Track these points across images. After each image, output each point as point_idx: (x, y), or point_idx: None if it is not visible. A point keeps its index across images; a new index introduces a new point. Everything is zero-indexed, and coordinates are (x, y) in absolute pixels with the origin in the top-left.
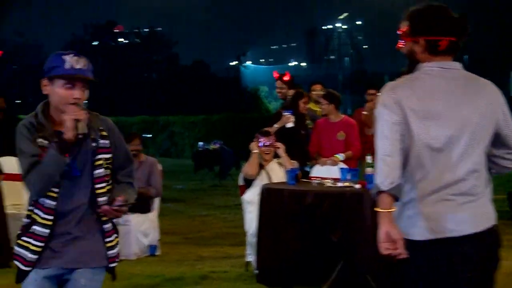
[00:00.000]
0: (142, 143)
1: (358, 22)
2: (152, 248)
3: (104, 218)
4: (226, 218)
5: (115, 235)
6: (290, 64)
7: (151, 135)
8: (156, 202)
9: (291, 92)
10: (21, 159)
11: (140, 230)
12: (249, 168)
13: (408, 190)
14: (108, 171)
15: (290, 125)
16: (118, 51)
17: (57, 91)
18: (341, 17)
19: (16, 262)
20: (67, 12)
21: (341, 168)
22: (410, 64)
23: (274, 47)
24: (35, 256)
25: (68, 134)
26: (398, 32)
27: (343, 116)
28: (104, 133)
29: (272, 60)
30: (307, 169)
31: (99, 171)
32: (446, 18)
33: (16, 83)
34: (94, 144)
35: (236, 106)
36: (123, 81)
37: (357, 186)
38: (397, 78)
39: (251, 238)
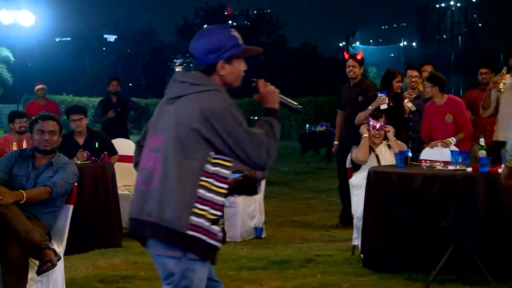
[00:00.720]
0: (250, 126)
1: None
2: (258, 230)
3: None
4: (333, 201)
5: None
6: (400, 44)
7: (257, 117)
8: (262, 185)
9: (359, 71)
10: (249, 134)
11: (246, 212)
12: (360, 153)
13: None
14: None
15: (384, 106)
16: None
17: (237, 68)
18: None
19: (211, 240)
20: None
21: (452, 151)
22: None
23: (384, 27)
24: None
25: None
26: None
27: (447, 96)
28: None
29: (381, 40)
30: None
31: None
32: None
33: (128, 66)
34: None
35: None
36: None
37: (469, 169)
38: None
39: (358, 222)
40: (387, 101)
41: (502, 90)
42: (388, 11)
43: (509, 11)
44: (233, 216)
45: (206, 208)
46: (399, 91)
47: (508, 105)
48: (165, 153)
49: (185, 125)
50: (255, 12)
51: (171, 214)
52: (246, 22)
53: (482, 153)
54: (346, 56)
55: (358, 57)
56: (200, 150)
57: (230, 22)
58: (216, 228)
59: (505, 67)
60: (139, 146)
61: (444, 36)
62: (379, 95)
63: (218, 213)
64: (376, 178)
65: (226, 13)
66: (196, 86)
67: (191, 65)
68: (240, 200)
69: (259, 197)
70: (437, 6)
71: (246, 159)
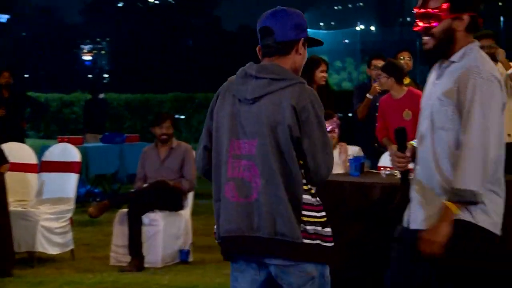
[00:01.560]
0: (174, 126)
1: None
2: (184, 253)
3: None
4: None
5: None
6: (356, 28)
7: (184, 116)
8: (190, 198)
9: None
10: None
11: (169, 232)
12: None
13: None
14: None
15: None
16: (147, 14)
17: (305, 53)
18: None
19: (326, 243)
20: None
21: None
22: (439, 46)
23: (337, 7)
24: None
25: None
26: (419, 10)
27: (406, 89)
28: None
29: (334, 23)
30: None
31: None
32: None
33: (24, 53)
34: None
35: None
36: (153, 50)
37: None
38: None
39: None
40: None
41: None
42: None
43: None
44: (153, 236)
45: (312, 213)
46: (323, 82)
47: None
48: (263, 160)
49: (281, 128)
50: None
51: (284, 227)
52: (170, 0)
53: None
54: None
55: None
56: (294, 153)
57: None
58: (328, 229)
59: None
60: (207, 151)
61: (408, 19)
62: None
63: (324, 213)
64: (326, 188)
65: None
66: (280, 82)
67: (102, 52)
68: (162, 217)
69: (186, 213)
70: None
71: (313, 168)
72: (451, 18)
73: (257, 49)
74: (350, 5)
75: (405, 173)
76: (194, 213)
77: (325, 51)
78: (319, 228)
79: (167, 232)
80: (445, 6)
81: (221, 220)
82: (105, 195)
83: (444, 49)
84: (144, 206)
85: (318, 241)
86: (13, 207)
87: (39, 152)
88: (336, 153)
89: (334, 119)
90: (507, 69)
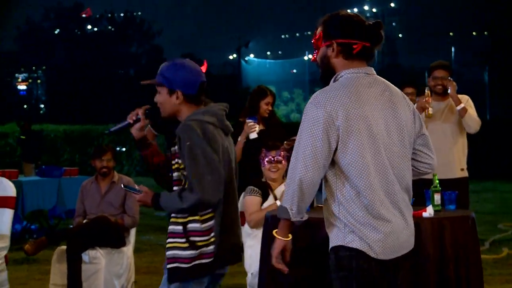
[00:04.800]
0: (115, 158)
1: (392, 4)
2: None
3: (171, 220)
4: None
5: (173, 239)
6: (304, 57)
7: (125, 149)
8: (132, 234)
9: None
10: None
11: (111, 270)
12: (254, 216)
13: None
14: (182, 176)
15: (253, 136)
16: (86, 42)
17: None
18: None
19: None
20: None
21: None
22: (323, 73)
23: (285, 36)
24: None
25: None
26: (313, 41)
27: None
28: (175, 140)
29: (281, 53)
30: None
31: (176, 174)
32: (359, 23)
33: None
34: (173, 148)
35: (235, 111)
36: (93, 79)
37: None
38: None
39: (252, 279)
40: (257, 128)
41: (431, 115)
42: (290, 17)
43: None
44: (94, 275)
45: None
46: (266, 115)
47: (436, 136)
48: None
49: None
50: (121, 15)
51: None
52: (110, 27)
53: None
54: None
55: (203, 69)
56: None
57: (89, 27)
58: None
59: (427, 88)
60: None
61: None
62: (246, 121)
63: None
64: (274, 225)
65: (84, 15)
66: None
67: (38, 81)
68: (103, 255)
69: (128, 249)
70: (349, 11)
71: None
72: (326, 45)
73: None
74: (297, 34)
75: None
76: (136, 250)
77: (273, 82)
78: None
79: (108, 270)
80: (319, 35)
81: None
82: (42, 232)
83: (327, 75)
84: (84, 243)
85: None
86: None
87: None
88: (283, 187)
89: (281, 150)
90: (456, 104)
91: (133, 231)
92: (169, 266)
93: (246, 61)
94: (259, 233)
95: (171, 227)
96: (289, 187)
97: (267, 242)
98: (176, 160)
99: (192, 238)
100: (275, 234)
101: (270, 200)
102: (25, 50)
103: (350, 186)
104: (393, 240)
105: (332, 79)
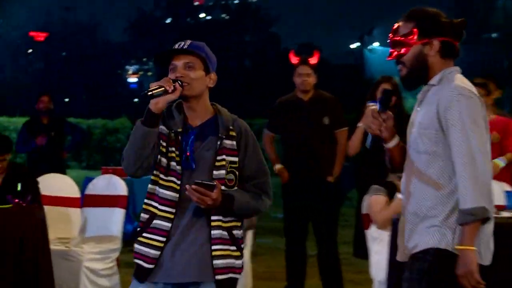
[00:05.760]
0: None
1: None
2: None
3: (213, 223)
4: (344, 258)
5: (223, 245)
6: None
7: None
8: (249, 237)
9: (313, 81)
10: None
11: None
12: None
13: None
14: (233, 176)
15: None
16: (198, 31)
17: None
18: None
19: (138, 261)
20: None
21: (507, 192)
22: (412, 72)
23: None
24: (158, 252)
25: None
26: (391, 39)
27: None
28: (233, 133)
29: None
30: None
31: (220, 172)
32: (451, 21)
33: (65, 76)
34: (218, 142)
35: (358, 103)
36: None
37: None
38: None
39: (379, 287)
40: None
41: None
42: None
43: None
44: None
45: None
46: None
47: None
48: None
49: None
50: (236, 2)
51: None
52: (224, 15)
53: None
54: (295, 60)
55: (313, 61)
56: None
57: (203, 15)
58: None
59: None
60: None
61: (494, 35)
62: (367, 104)
63: None
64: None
65: (197, 3)
66: None
67: (149, 73)
68: None
69: (245, 254)
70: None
71: None
72: (421, 44)
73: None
74: None
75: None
76: (254, 254)
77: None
78: (137, 246)
79: None
80: (414, 32)
81: None
82: None
83: (419, 75)
84: None
85: (138, 259)
86: (54, 245)
87: (82, 184)
88: None
89: None
90: None
91: (249, 233)
92: (221, 277)
93: (370, 50)
94: (385, 237)
95: (217, 232)
96: (475, 184)
97: (395, 247)
98: (224, 156)
99: (241, 246)
100: (460, 248)
101: (395, 199)
102: (136, 41)
103: None
104: None
105: (436, 78)
